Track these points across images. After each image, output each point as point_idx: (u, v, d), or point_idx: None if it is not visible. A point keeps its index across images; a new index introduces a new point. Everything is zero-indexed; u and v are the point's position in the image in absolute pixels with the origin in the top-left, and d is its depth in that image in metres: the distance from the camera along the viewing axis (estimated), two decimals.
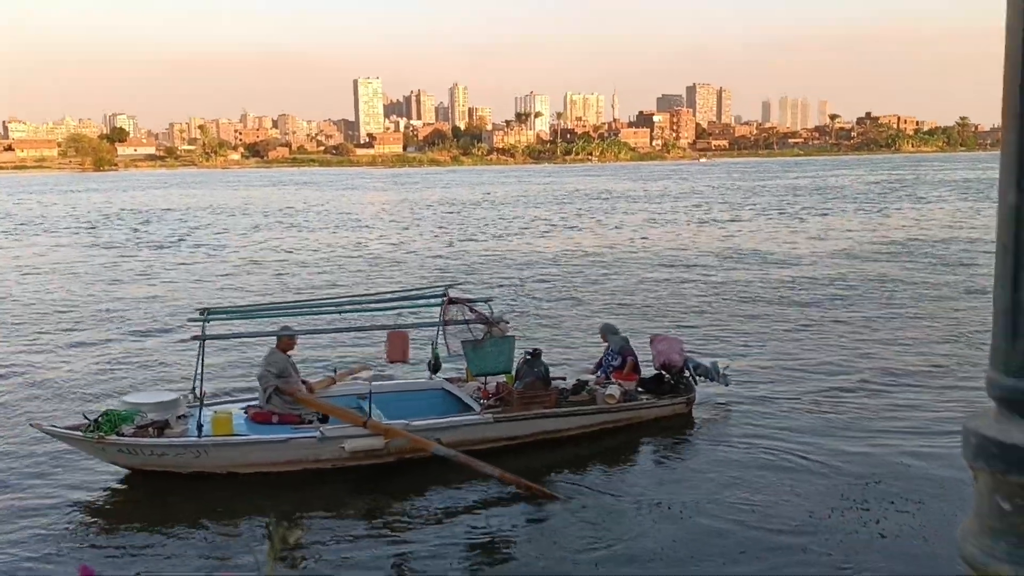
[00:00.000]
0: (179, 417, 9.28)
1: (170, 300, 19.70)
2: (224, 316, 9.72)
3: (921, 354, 14.16)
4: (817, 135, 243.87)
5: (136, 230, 38.75)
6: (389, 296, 11.16)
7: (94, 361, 14.25)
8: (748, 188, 68.86)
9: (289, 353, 9.64)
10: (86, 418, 9.00)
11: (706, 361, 12.02)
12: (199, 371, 8.93)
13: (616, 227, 37.65)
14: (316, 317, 11.22)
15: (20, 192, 76.64)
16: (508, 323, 10.17)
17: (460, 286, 20.70)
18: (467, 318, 9.58)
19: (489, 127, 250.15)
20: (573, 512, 8.25)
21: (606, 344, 11.51)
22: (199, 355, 8.90)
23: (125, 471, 9.16)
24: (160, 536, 7.80)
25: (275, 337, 9.65)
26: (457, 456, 8.57)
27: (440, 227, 38.81)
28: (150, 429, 8.90)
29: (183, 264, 26.88)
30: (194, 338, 8.92)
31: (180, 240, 34.03)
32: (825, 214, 42.84)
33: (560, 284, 21.92)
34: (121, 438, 8.75)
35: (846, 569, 7.04)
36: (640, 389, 11.10)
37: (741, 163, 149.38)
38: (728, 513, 8.17)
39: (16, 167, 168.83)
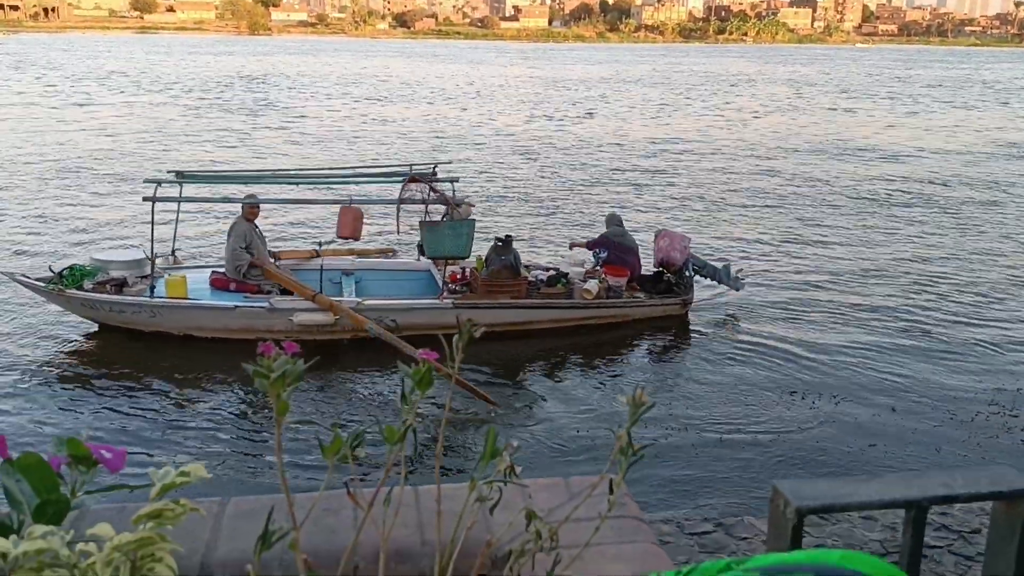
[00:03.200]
0: (144, 277, 9.40)
1: (223, 162, 19.84)
2: (192, 181, 9.65)
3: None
4: (997, 24, 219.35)
5: (247, 94, 39.54)
6: (361, 170, 10.81)
7: (110, 215, 14.76)
8: (895, 76, 63.15)
9: (255, 222, 9.51)
10: (51, 271, 9.27)
11: (717, 263, 11.18)
12: (153, 232, 9.02)
13: (721, 113, 35.37)
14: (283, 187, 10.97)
15: (163, 53, 79.64)
16: (473, 206, 9.63)
17: (500, 165, 20.19)
18: (425, 198, 9.12)
19: (639, 2, 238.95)
20: (518, 410, 8.01)
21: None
22: (152, 216, 8.94)
23: (96, 325, 9.47)
24: (109, 386, 8.17)
25: (240, 206, 9.53)
26: (383, 335, 8.31)
27: (536, 104, 37.66)
28: (107, 286, 9.09)
29: (263, 128, 27.13)
30: (145, 199, 8.91)
31: (271, 106, 34.18)
32: (968, 108, 38.82)
33: (628, 170, 20.88)
34: (79, 292, 8.98)
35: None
36: (636, 286, 10.46)
37: (897, 50, 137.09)
38: (703, 422, 7.73)
39: (177, 28, 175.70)
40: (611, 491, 1.39)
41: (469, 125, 29.42)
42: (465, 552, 1.43)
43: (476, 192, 16.49)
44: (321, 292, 9.03)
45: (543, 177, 19.70)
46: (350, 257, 10.64)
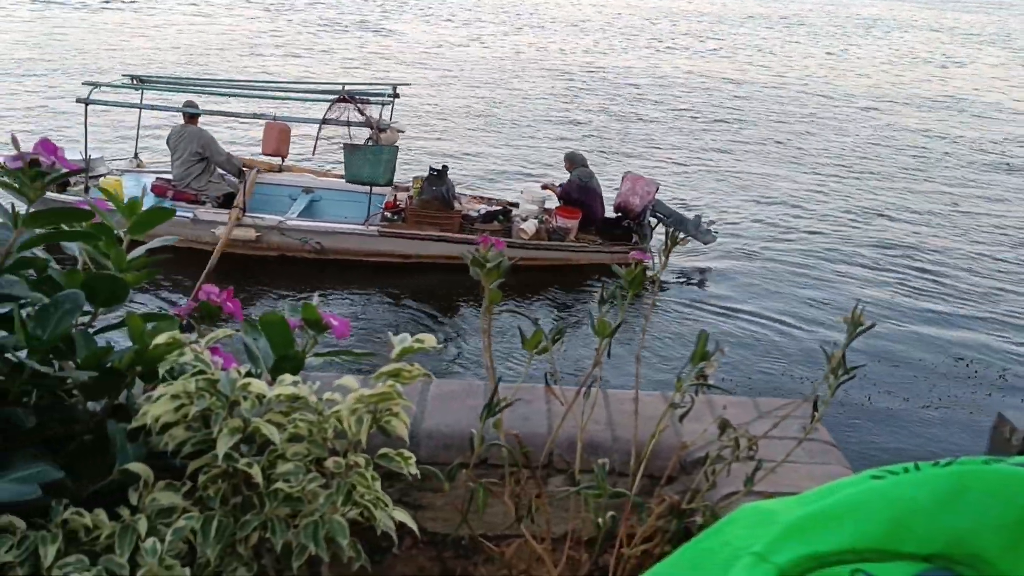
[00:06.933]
0: (93, 177, 9.57)
1: (251, 76, 19.31)
2: (150, 88, 9.71)
3: None
4: None
5: (347, 9, 39.24)
6: (298, 87, 10.54)
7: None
8: None
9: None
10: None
11: (689, 214, 10.43)
12: (87, 134, 9.09)
13: (825, 61, 32.50)
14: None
15: None
16: (402, 131, 9.27)
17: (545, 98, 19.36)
18: (349, 120, 8.84)
19: None
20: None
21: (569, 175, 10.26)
22: (85, 117, 9.03)
23: None
24: None
25: (183, 113, 9.51)
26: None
27: (628, 36, 35.79)
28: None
29: (325, 47, 26.22)
30: (79, 100, 9.02)
31: (363, 24, 33.21)
32: None
33: (682, 111, 19.70)
34: None
35: None
36: (595, 231, 9.95)
37: None
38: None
39: None
40: (815, 408, 1.42)
41: (547, 56, 28.40)
42: (654, 454, 1.54)
43: (491, 124, 15.96)
44: (245, 209, 8.99)
45: (591, 114, 18.85)
46: (310, 174, 10.54)
